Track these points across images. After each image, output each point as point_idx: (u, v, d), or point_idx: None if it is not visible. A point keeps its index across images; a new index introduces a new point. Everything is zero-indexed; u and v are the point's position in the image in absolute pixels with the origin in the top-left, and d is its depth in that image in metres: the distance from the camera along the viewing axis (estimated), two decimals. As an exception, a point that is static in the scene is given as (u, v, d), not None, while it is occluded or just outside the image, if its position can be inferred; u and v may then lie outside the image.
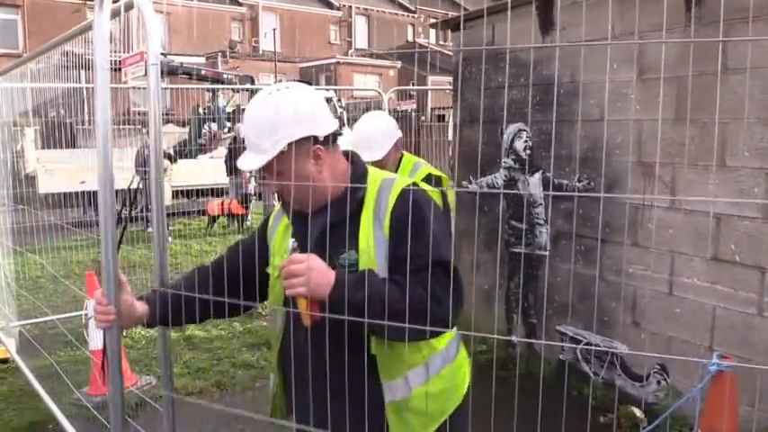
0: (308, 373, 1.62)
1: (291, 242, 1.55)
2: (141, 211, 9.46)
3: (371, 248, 1.54)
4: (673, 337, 3.57)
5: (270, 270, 1.74)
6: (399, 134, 3.09)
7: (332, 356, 1.55)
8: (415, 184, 1.65)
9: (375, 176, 1.66)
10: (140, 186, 9.33)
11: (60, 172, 9.94)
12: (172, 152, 9.83)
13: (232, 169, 10.57)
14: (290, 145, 1.55)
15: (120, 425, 1.99)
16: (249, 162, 1.59)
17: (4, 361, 4.77)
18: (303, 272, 1.43)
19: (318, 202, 1.58)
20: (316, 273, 1.44)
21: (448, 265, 1.49)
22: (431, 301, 1.44)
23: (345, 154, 1.70)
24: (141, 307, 1.82)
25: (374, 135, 2.98)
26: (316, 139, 1.57)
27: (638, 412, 3.60)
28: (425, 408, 1.60)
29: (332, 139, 1.62)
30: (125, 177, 9.87)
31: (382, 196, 1.58)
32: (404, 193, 1.57)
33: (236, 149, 10.58)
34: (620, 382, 3.89)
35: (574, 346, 4.16)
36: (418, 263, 1.48)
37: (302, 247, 1.56)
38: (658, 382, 3.67)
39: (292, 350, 1.68)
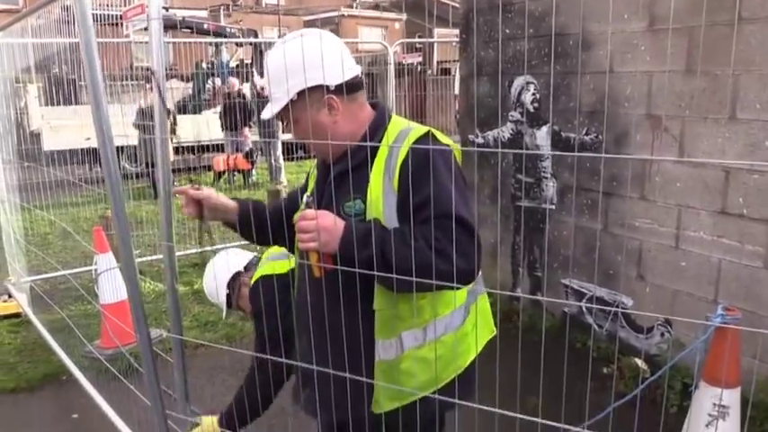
0: (308, 325, 1.63)
1: (306, 197, 1.58)
2: (147, 166, 9.45)
3: (379, 199, 1.52)
4: (678, 290, 3.59)
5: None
6: (233, 272, 2.40)
7: (332, 310, 1.56)
8: (433, 134, 1.58)
9: (395, 126, 1.62)
10: (144, 142, 9.30)
11: (65, 129, 9.91)
12: (172, 107, 9.75)
13: (227, 124, 10.52)
14: (301, 94, 1.53)
15: (153, 367, 2.06)
16: (266, 111, 1.61)
17: (17, 315, 4.86)
18: (312, 228, 1.44)
19: (336, 152, 1.57)
20: (324, 230, 1.44)
21: (459, 219, 1.43)
22: (435, 256, 1.39)
23: (373, 105, 1.68)
24: (233, 205, 1.85)
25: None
26: (328, 88, 1.55)
27: (640, 363, 3.64)
28: (416, 371, 1.59)
29: (349, 87, 1.59)
30: (129, 134, 9.84)
31: (395, 148, 1.54)
32: (414, 146, 1.52)
33: (230, 105, 10.50)
34: (624, 334, 3.93)
35: (577, 303, 4.19)
36: (425, 214, 1.45)
37: (320, 196, 1.59)
38: (662, 335, 3.71)
39: (298, 303, 1.70)
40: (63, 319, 4.51)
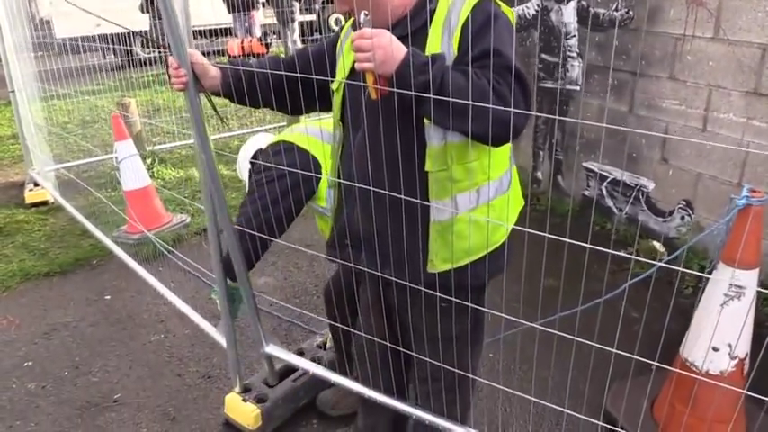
0: (361, 182, 1.65)
1: (363, 14, 1.47)
2: (159, 51, 9.26)
3: None
4: (701, 173, 3.52)
5: (333, 86, 1.74)
6: (255, 149, 2.52)
7: (384, 168, 1.58)
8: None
9: None
10: (155, 27, 9.06)
11: (76, 14, 9.66)
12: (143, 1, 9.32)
13: (233, 5, 10.12)
14: None
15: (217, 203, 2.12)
16: None
17: (44, 204, 4.98)
18: (369, 47, 1.39)
19: (394, 18, 1.55)
20: (381, 50, 1.39)
21: (517, 74, 1.40)
22: (493, 95, 1.35)
23: None
24: (215, 71, 1.85)
25: None
26: None
27: (658, 246, 3.66)
28: (469, 233, 1.61)
29: None
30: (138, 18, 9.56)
31: (455, 9, 1.50)
32: (477, 6, 1.48)
33: None
34: (644, 218, 3.92)
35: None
36: (484, 63, 1.41)
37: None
38: (682, 218, 3.69)
39: (346, 162, 1.72)
40: (88, 207, 4.62)
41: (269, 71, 1.81)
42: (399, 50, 1.40)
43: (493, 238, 1.67)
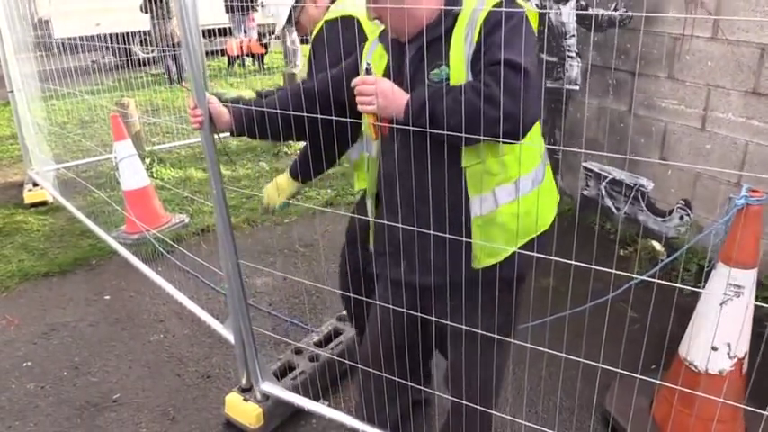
0: (397, 191, 1.69)
1: (366, 63, 1.64)
2: (160, 51, 9.26)
3: (462, 63, 1.53)
4: (700, 173, 3.53)
5: None
6: None
7: (420, 172, 1.64)
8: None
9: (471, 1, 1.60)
10: (156, 27, 9.05)
11: (74, 14, 9.65)
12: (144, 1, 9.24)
13: (230, 6, 10.11)
14: None
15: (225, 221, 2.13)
16: None
17: (43, 204, 4.97)
18: (371, 92, 1.55)
19: (415, 28, 1.59)
20: (382, 95, 1.55)
21: (515, 65, 1.42)
22: (484, 103, 1.41)
23: None
24: (227, 114, 1.98)
25: None
26: None
27: (657, 245, 3.66)
28: (510, 225, 1.64)
29: None
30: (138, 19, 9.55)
31: (475, 13, 1.54)
32: (492, 11, 1.51)
33: None
34: (643, 217, 3.93)
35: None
36: (490, 59, 1.46)
37: (399, 71, 1.65)
38: (681, 218, 3.70)
39: (385, 171, 1.76)
40: (87, 206, 4.62)
41: (278, 110, 1.88)
42: (400, 96, 1.54)
43: (533, 229, 1.70)
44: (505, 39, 1.45)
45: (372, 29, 2.04)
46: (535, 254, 1.66)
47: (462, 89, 1.46)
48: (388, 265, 1.82)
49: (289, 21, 2.32)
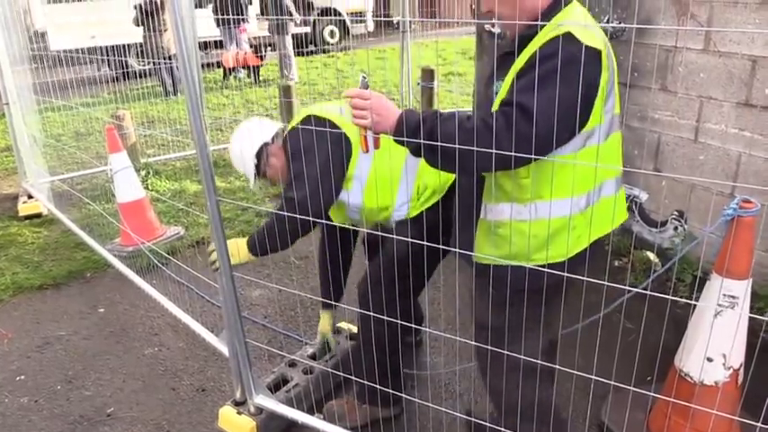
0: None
1: (362, 76, 1.69)
2: (155, 64, 9.28)
3: (508, 85, 1.53)
4: (695, 184, 3.55)
5: None
6: (260, 143, 2.36)
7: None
8: (570, 35, 1.48)
9: (565, 14, 1.58)
10: (150, 39, 9.06)
11: (70, 27, 9.68)
12: (137, 14, 9.24)
13: (222, 20, 10.13)
14: None
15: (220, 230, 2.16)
16: None
17: (38, 216, 4.96)
18: (366, 107, 1.60)
19: (517, 29, 1.61)
20: (375, 112, 1.59)
21: (522, 107, 1.42)
22: (477, 137, 1.43)
23: None
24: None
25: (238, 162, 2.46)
26: None
27: (652, 256, 3.67)
28: (512, 239, 1.67)
29: None
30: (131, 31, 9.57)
31: (544, 36, 1.52)
32: (552, 39, 1.47)
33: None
34: (637, 228, 3.94)
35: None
36: (510, 97, 1.47)
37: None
38: (675, 228, 3.71)
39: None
40: (83, 219, 4.61)
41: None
42: (393, 113, 1.58)
43: (536, 256, 1.67)
44: (538, 77, 1.42)
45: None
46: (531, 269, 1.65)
47: (462, 120, 1.49)
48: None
49: (257, 172, 2.39)
